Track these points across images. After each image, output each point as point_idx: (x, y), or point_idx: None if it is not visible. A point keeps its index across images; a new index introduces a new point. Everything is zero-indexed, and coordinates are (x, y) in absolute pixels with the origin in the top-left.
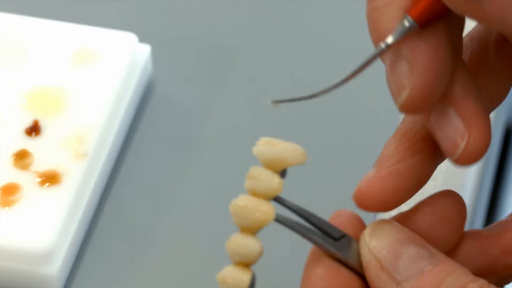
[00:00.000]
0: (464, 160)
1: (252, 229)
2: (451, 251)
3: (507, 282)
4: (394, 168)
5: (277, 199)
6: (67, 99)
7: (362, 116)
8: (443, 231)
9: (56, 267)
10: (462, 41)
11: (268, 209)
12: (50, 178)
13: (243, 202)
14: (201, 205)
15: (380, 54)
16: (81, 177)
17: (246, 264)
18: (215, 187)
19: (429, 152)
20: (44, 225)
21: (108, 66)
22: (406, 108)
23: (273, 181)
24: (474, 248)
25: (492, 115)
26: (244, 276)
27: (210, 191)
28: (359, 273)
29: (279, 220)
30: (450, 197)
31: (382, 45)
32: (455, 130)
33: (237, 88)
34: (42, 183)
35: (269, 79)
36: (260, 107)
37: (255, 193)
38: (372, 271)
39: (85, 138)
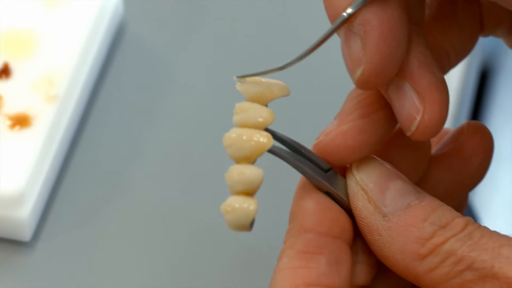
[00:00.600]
0: (419, 135)
1: (249, 159)
2: (421, 180)
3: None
4: (355, 123)
5: (267, 131)
6: (38, 41)
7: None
8: (415, 159)
9: (27, 211)
10: (423, 10)
11: (265, 136)
12: (20, 121)
13: (238, 132)
14: (174, 147)
15: (341, 25)
16: (51, 119)
17: (248, 193)
18: (188, 129)
19: (391, 108)
20: (14, 169)
21: (78, 8)
22: (362, 84)
23: (264, 111)
24: (441, 170)
25: (466, 58)
26: (251, 204)
27: (183, 133)
28: (346, 208)
29: (272, 150)
30: None
31: (344, 14)
32: (410, 105)
33: (209, 29)
34: (13, 126)
35: (242, 21)
36: (233, 49)
37: (245, 126)
38: (359, 203)
39: (56, 81)
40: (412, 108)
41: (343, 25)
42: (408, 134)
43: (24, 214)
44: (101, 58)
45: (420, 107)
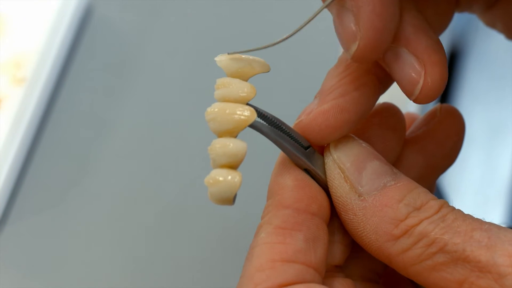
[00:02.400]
0: (423, 99)
1: (232, 132)
2: (396, 161)
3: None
4: (337, 102)
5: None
6: (5, 24)
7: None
8: (392, 140)
9: None
10: None
11: (248, 109)
12: None
13: (220, 106)
14: (143, 128)
15: (328, 4)
16: (19, 102)
17: (231, 166)
18: (157, 110)
19: (372, 85)
20: None
21: None
22: (358, 59)
23: (245, 86)
24: (415, 152)
25: None
26: (235, 176)
27: (152, 114)
28: (324, 186)
29: (253, 125)
30: (391, 108)
31: None
32: (410, 69)
33: (176, 11)
34: None
35: (208, 2)
36: (199, 30)
37: (227, 100)
38: (335, 181)
39: (23, 63)
40: (413, 72)
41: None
42: (412, 98)
43: None
44: (69, 41)
45: (421, 70)
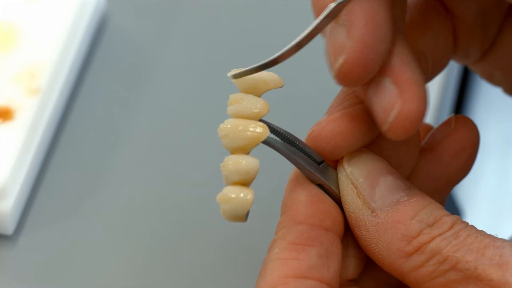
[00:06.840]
0: (395, 128)
1: (245, 149)
2: (411, 174)
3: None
4: (347, 111)
5: (262, 122)
6: (19, 34)
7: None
8: (406, 153)
9: (9, 204)
10: (404, 21)
11: (261, 126)
12: (2, 114)
13: (233, 122)
14: (157, 139)
15: (328, 16)
16: (34, 112)
17: (244, 183)
18: (171, 121)
19: None
20: None
21: (60, 0)
22: (343, 75)
23: (258, 102)
24: (430, 165)
25: None
26: (248, 193)
27: (166, 125)
28: (338, 201)
29: (266, 141)
30: None
31: (332, 5)
32: (389, 96)
33: (191, 21)
34: None
35: (224, 12)
36: (215, 40)
37: (240, 117)
38: (348, 197)
39: (38, 74)
40: (390, 98)
41: (330, 17)
42: (384, 127)
43: (7, 208)
44: (84, 51)
45: (398, 98)
